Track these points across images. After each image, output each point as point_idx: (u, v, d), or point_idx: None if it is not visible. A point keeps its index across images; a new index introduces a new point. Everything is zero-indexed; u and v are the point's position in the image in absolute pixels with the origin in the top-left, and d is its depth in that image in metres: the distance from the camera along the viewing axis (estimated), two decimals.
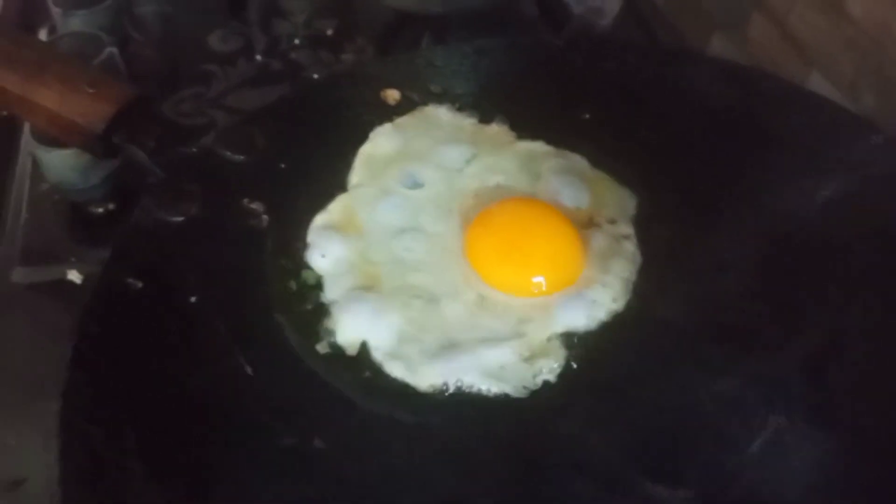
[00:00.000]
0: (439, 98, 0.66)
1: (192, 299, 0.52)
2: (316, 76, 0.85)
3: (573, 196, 0.58)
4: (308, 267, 0.55)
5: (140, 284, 0.52)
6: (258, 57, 0.87)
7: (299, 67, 0.87)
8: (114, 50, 0.75)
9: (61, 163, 0.68)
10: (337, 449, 0.46)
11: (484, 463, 0.45)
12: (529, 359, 0.50)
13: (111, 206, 0.73)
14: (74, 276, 0.68)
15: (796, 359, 0.49)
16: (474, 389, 0.48)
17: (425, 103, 0.66)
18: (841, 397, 0.48)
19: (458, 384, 0.49)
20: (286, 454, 0.45)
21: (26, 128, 0.77)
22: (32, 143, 0.70)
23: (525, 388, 0.48)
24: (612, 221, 0.57)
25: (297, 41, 0.89)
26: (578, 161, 0.61)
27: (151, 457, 0.44)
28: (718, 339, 0.51)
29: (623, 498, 0.44)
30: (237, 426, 0.47)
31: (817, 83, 0.78)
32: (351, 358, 0.50)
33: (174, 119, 0.78)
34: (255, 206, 0.58)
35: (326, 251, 0.55)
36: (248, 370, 0.49)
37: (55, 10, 0.81)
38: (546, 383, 0.49)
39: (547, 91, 0.66)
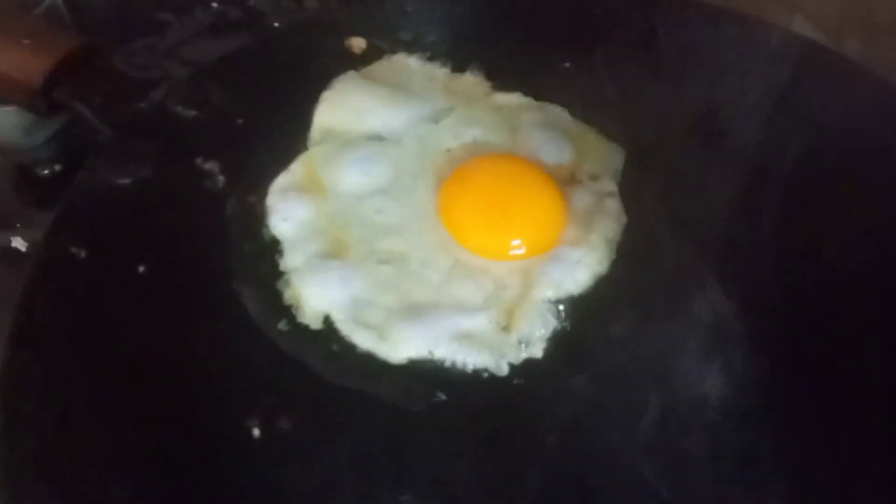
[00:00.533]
0: (409, 46, 0.61)
1: (141, 269, 0.48)
2: (277, 25, 0.80)
3: (554, 151, 0.54)
4: (268, 232, 0.51)
5: (83, 254, 0.48)
6: (214, 4, 0.81)
7: (259, 15, 0.81)
8: None
9: (3, 121, 0.63)
10: (305, 429, 0.42)
11: (463, 441, 0.43)
12: (507, 328, 0.47)
13: (58, 168, 0.67)
14: (19, 242, 0.63)
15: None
16: (450, 363, 0.45)
17: (394, 52, 0.61)
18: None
19: (433, 357, 0.45)
20: (250, 436, 0.42)
21: None
22: None
23: (505, 360, 0.45)
24: (595, 178, 0.54)
25: None
26: (559, 113, 0.57)
27: (111, 442, 0.41)
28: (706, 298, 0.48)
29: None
30: (198, 407, 0.44)
31: (800, 25, 0.75)
32: (316, 331, 0.47)
33: (126, 72, 0.73)
34: (211, 165, 0.54)
35: (288, 215, 0.51)
36: (206, 346, 0.46)
37: None
38: (529, 356, 0.45)
39: (525, 38, 0.62)
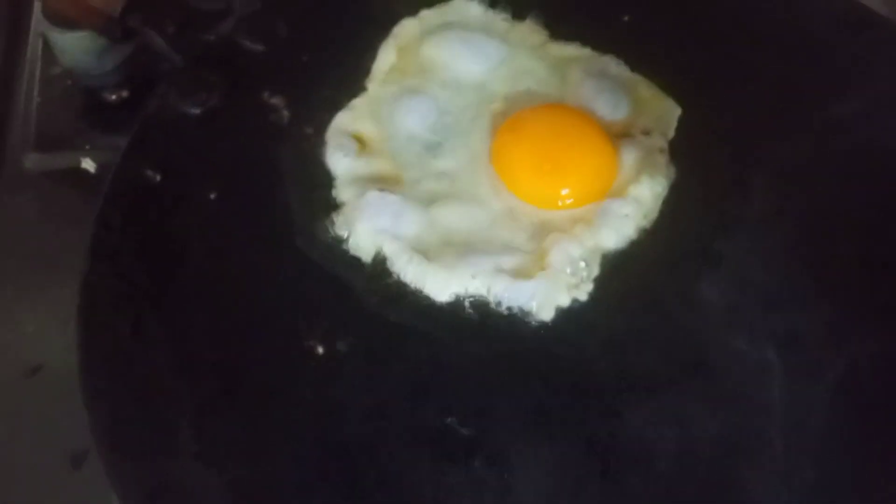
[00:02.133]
0: None
1: (212, 196, 0.51)
2: None
3: (609, 104, 0.55)
4: (327, 167, 0.53)
5: (158, 178, 0.51)
6: None
7: None
8: None
9: (75, 45, 0.65)
10: (358, 354, 0.45)
11: (503, 375, 0.45)
12: (549, 272, 0.48)
13: (125, 94, 0.70)
14: (88, 164, 0.66)
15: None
16: (494, 303, 0.48)
17: None
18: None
19: (476, 294, 0.47)
20: (310, 356, 0.45)
21: (36, 6, 0.73)
22: (44, 23, 0.67)
23: (549, 305, 0.47)
24: (648, 133, 0.55)
25: None
26: (616, 66, 0.58)
27: (178, 352, 0.44)
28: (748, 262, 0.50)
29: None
30: (260, 324, 0.47)
31: None
32: (368, 265, 0.49)
33: (192, 4, 0.75)
34: (276, 100, 0.56)
35: (347, 151, 0.53)
36: (267, 272, 0.49)
37: None
38: (573, 302, 0.48)
39: None
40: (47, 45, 0.71)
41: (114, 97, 0.70)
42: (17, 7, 0.76)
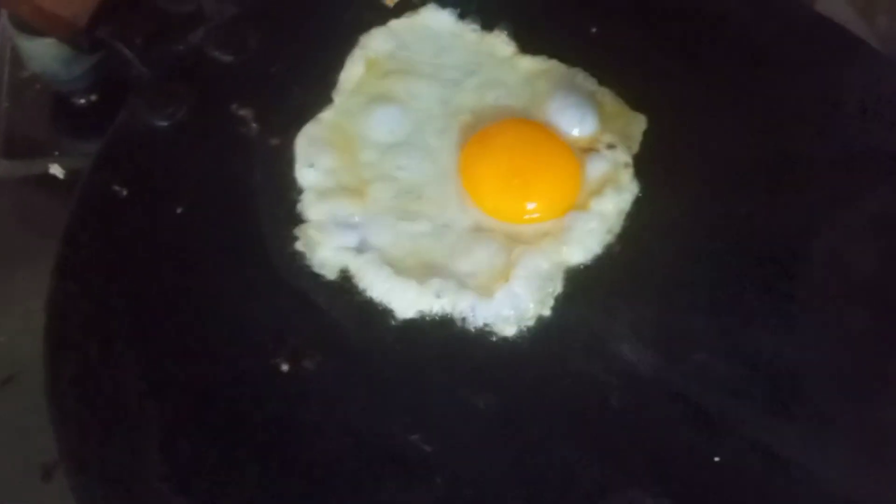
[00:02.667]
0: (440, 1, 0.62)
1: (179, 210, 0.51)
2: None
3: (575, 119, 0.56)
4: (294, 180, 0.53)
5: (125, 192, 0.51)
6: None
7: None
8: None
9: (43, 52, 0.65)
10: (324, 372, 0.46)
11: (470, 390, 0.46)
12: (512, 287, 0.49)
13: (94, 98, 0.70)
14: (57, 170, 0.66)
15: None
16: (458, 318, 0.48)
17: (424, 5, 0.62)
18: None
19: (442, 311, 0.48)
20: (276, 374, 0.46)
21: (3, 13, 0.73)
22: (11, 28, 0.66)
23: (514, 321, 0.48)
24: (612, 147, 0.56)
25: None
26: (583, 79, 0.59)
27: (146, 371, 0.45)
28: (711, 276, 0.51)
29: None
30: (227, 342, 0.47)
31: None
32: (335, 280, 0.50)
33: (161, 6, 0.74)
34: (245, 112, 0.56)
35: (314, 163, 0.54)
36: (235, 286, 0.49)
37: None
38: (538, 319, 0.48)
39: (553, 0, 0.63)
40: (15, 50, 0.71)
41: (83, 101, 0.70)
42: None
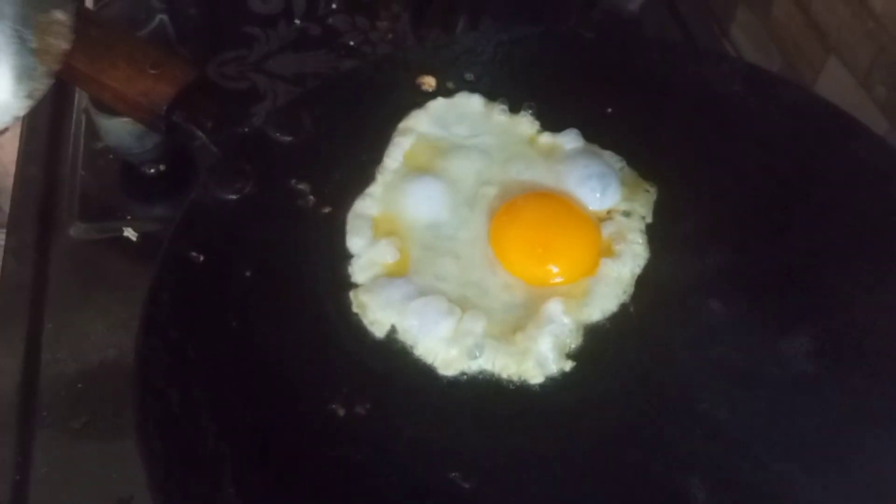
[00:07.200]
0: (472, 86, 0.70)
1: (247, 273, 0.59)
2: (352, 43, 0.89)
3: (597, 189, 0.62)
4: (346, 247, 0.61)
5: (202, 258, 0.59)
6: (297, 21, 0.91)
7: (336, 33, 0.91)
8: (164, 17, 0.79)
9: (119, 129, 0.73)
10: (375, 417, 0.53)
11: (502, 433, 0.53)
12: (537, 344, 0.56)
13: (162, 167, 0.78)
14: (130, 233, 0.74)
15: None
16: (493, 376, 0.55)
17: (459, 90, 0.70)
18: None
19: (481, 371, 0.55)
20: (333, 418, 0.52)
21: (81, 91, 0.81)
22: (90, 105, 0.75)
23: (543, 375, 0.55)
24: (627, 214, 0.63)
25: (334, 5, 0.93)
26: (602, 154, 0.65)
27: (221, 416, 0.52)
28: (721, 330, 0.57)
29: None
30: (290, 391, 0.54)
31: (834, 68, 0.82)
32: (383, 336, 0.56)
33: (217, 82, 0.83)
34: (303, 186, 0.64)
35: (363, 235, 0.61)
36: (296, 340, 0.56)
37: None
38: (562, 372, 0.55)
39: (573, 83, 0.70)
40: (90, 121, 0.79)
41: (152, 171, 0.78)
42: (62, 85, 0.84)
